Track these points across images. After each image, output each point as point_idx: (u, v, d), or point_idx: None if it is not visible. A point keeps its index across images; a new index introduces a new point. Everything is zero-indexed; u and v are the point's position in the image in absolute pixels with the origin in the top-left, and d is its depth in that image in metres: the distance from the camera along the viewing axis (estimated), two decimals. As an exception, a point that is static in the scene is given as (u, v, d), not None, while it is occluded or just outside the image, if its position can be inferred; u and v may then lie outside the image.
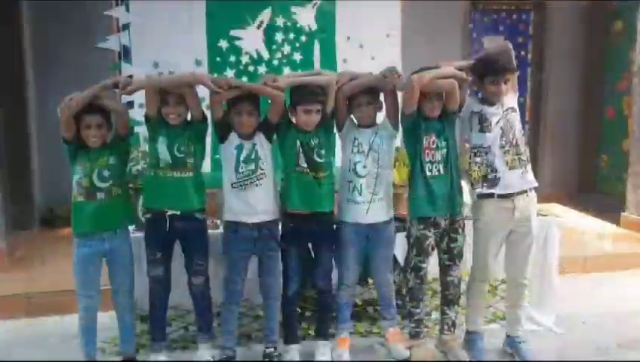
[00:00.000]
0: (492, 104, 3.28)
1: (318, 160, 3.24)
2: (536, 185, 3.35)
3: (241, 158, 3.18)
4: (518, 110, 3.36)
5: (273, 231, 3.28)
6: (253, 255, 3.29)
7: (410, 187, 3.40)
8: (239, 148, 3.19)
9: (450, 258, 3.36)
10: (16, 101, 5.75)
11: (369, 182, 3.28)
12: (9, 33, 5.58)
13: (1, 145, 5.02)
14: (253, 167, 3.18)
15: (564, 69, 7.08)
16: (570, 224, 5.81)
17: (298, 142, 3.21)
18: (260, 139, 3.22)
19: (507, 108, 3.29)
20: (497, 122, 3.26)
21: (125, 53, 5.69)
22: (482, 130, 3.28)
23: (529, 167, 3.33)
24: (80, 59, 5.73)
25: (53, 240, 5.43)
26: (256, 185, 3.18)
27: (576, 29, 7.06)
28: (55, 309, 4.03)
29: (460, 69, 3.25)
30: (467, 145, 3.40)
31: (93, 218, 3.05)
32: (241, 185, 3.18)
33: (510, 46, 3.31)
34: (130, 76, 5.33)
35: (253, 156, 3.18)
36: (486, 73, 3.25)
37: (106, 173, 3.06)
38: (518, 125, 3.30)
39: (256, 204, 3.19)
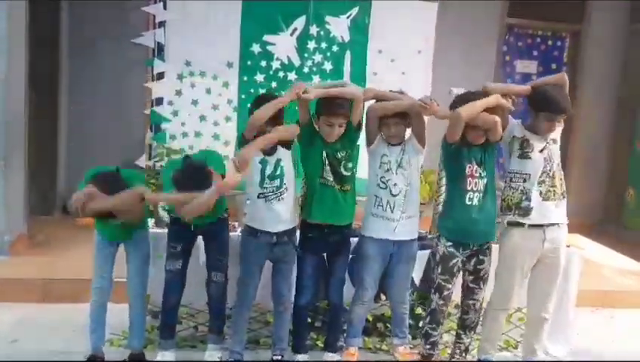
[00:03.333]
0: (536, 133, 3.24)
1: (344, 172, 3.24)
2: (566, 221, 3.31)
3: (266, 174, 3.18)
4: (559, 142, 3.31)
5: (291, 237, 3.28)
6: (269, 260, 3.29)
7: (446, 208, 3.37)
8: (263, 163, 3.19)
9: (476, 280, 3.29)
10: (49, 88, 5.86)
11: (399, 199, 3.25)
12: (47, 22, 5.69)
13: (30, 131, 5.11)
14: (277, 183, 3.19)
15: (597, 98, 6.97)
16: (592, 256, 5.70)
17: (324, 153, 3.21)
18: (282, 152, 3.21)
19: (550, 139, 3.25)
20: (541, 151, 3.22)
21: (159, 50, 5.79)
22: (523, 156, 3.24)
23: (564, 202, 3.28)
24: (114, 52, 5.83)
25: (73, 227, 5.47)
26: (280, 199, 3.19)
27: (611, 59, 6.96)
28: (70, 297, 4.07)
29: (509, 94, 3.23)
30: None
31: (111, 234, 3.17)
32: (266, 198, 3.19)
33: (566, 80, 3.27)
34: (162, 74, 5.42)
35: (278, 172, 3.19)
36: (544, 109, 3.19)
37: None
38: (557, 158, 3.26)
39: (279, 215, 3.20)
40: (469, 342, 3.41)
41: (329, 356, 3.40)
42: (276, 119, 3.18)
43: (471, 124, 3.12)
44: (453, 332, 3.52)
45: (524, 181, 3.23)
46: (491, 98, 3.16)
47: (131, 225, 3.13)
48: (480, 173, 3.19)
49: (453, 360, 3.43)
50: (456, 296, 3.41)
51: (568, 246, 3.77)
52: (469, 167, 3.19)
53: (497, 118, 3.12)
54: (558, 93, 3.20)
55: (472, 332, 3.40)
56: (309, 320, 3.55)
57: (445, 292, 3.28)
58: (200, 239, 3.31)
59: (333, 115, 3.17)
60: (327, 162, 3.20)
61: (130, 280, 3.25)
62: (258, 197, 3.19)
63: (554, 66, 7.02)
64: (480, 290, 3.31)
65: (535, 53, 6.99)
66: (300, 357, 3.36)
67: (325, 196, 3.22)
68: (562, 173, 3.31)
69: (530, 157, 3.22)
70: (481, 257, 3.26)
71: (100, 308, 3.22)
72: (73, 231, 5.27)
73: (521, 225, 3.24)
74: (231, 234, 3.44)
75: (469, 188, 3.18)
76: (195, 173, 3.03)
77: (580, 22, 6.90)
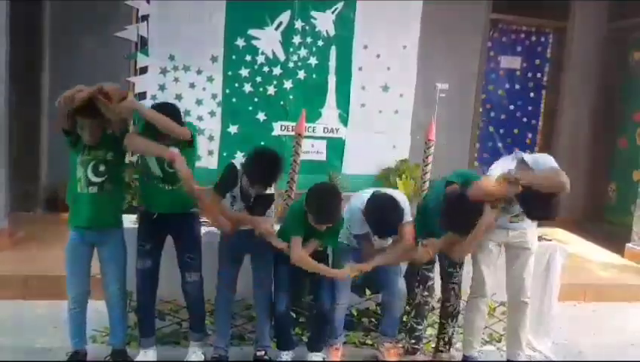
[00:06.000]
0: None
1: (320, 245, 3.28)
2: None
3: (234, 208, 3.22)
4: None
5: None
6: (247, 253, 3.28)
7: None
8: (234, 198, 3.21)
9: (451, 264, 3.33)
10: (31, 83, 5.77)
11: None
12: (29, 15, 5.60)
13: (12, 126, 5.03)
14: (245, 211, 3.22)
15: (580, 94, 7.03)
16: (574, 251, 5.75)
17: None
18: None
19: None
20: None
21: (142, 44, 5.72)
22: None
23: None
24: (97, 46, 5.75)
25: (55, 223, 5.41)
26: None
27: (595, 55, 7.02)
28: (51, 294, 3.98)
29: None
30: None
31: (87, 213, 3.04)
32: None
33: (567, 189, 3.02)
34: (145, 68, 5.37)
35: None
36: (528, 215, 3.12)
37: (101, 168, 3.04)
38: None
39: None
40: (451, 332, 3.43)
41: (312, 355, 3.38)
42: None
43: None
44: (437, 326, 3.53)
45: None
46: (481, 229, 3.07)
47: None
48: None
49: (437, 357, 3.45)
50: (437, 289, 3.44)
51: (550, 241, 3.82)
52: None
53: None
54: (544, 206, 2.99)
55: (455, 321, 3.42)
56: (294, 315, 3.54)
57: (429, 283, 3.31)
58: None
59: (323, 223, 3.13)
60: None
61: (107, 286, 3.17)
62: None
63: (537, 62, 7.07)
64: (457, 273, 3.34)
65: (519, 48, 7.04)
66: (284, 353, 3.35)
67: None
68: None
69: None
70: None
71: (79, 314, 3.15)
72: (55, 228, 5.20)
73: None
74: (213, 229, 3.42)
75: None
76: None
77: (564, 18, 6.95)
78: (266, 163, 3.05)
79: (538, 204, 2.96)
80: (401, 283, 3.34)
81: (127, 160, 3.37)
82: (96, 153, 3.03)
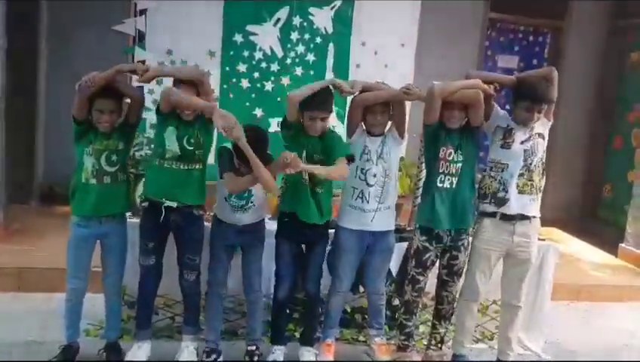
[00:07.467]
0: (518, 123, 3.22)
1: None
2: (538, 215, 3.30)
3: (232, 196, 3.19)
4: (546, 138, 3.28)
5: (258, 226, 3.30)
6: (238, 247, 3.30)
7: (422, 195, 3.41)
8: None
9: (449, 274, 3.33)
10: (27, 77, 5.76)
11: (377, 190, 3.26)
12: (26, 11, 5.59)
13: (8, 118, 5.03)
14: (243, 202, 3.20)
15: (576, 94, 7.03)
16: (568, 250, 5.78)
17: (304, 153, 3.18)
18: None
19: (535, 132, 3.22)
20: (522, 142, 3.20)
21: (140, 38, 5.72)
22: (504, 146, 3.23)
23: (538, 196, 3.27)
24: (94, 40, 5.74)
25: (51, 216, 5.43)
26: (244, 211, 3.22)
27: (592, 55, 7.03)
28: (46, 286, 4.01)
29: (492, 82, 3.22)
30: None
31: (96, 201, 3.05)
32: (231, 206, 3.20)
33: (555, 74, 3.22)
34: (143, 62, 5.37)
35: (245, 194, 3.19)
36: (522, 98, 3.17)
37: (114, 158, 3.08)
38: (540, 152, 3.23)
39: (241, 220, 3.23)
40: (444, 332, 3.45)
41: (305, 352, 3.39)
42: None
43: (448, 100, 3.10)
44: (430, 324, 3.55)
45: (502, 171, 3.22)
46: (470, 80, 3.15)
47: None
48: (454, 157, 3.18)
49: (428, 354, 3.46)
50: (432, 287, 3.45)
51: (544, 240, 3.83)
52: (443, 150, 3.19)
53: (479, 93, 3.09)
54: (539, 83, 3.18)
55: (447, 322, 3.43)
56: (287, 311, 3.54)
57: (418, 285, 3.31)
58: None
59: (316, 110, 3.15)
60: (305, 157, 3.17)
61: (107, 277, 3.20)
62: (225, 200, 3.21)
63: (535, 62, 7.08)
64: (453, 283, 3.34)
65: (517, 48, 7.04)
66: (276, 348, 3.36)
67: (300, 194, 3.21)
68: (543, 168, 3.28)
69: (510, 148, 3.21)
70: (454, 253, 3.28)
71: (76, 307, 3.17)
72: (50, 220, 5.22)
73: (493, 215, 3.25)
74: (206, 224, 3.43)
75: (440, 171, 3.20)
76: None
77: (561, 18, 6.96)
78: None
79: (535, 82, 3.18)
80: (380, 283, 3.42)
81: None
82: (108, 143, 3.07)
